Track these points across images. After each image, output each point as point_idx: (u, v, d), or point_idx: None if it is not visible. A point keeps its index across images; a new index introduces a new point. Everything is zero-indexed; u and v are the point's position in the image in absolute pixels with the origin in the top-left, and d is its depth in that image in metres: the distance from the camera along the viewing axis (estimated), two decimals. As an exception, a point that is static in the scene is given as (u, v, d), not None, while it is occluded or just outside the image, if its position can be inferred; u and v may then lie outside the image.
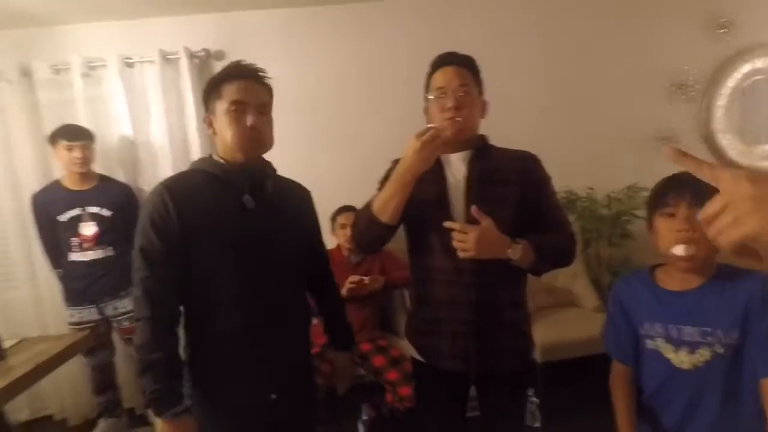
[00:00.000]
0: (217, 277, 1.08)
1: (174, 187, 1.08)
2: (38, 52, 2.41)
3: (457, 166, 1.20)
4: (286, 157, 2.73)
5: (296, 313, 1.21)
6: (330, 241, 2.40)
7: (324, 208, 2.39)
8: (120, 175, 2.43)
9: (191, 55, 2.40)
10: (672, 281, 1.02)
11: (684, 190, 0.94)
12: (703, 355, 0.95)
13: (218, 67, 2.50)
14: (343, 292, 2.15)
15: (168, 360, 1.04)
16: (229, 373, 1.10)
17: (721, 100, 2.70)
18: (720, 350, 0.94)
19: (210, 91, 1.13)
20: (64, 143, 2.16)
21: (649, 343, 1.03)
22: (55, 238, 2.25)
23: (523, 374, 1.26)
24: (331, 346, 1.41)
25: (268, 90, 1.16)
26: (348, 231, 2.33)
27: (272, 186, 1.18)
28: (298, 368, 1.21)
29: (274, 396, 1.12)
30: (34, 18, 2.32)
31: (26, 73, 2.37)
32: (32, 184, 2.38)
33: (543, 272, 1.18)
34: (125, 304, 2.24)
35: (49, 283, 2.44)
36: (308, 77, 2.59)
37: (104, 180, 2.31)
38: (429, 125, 1.08)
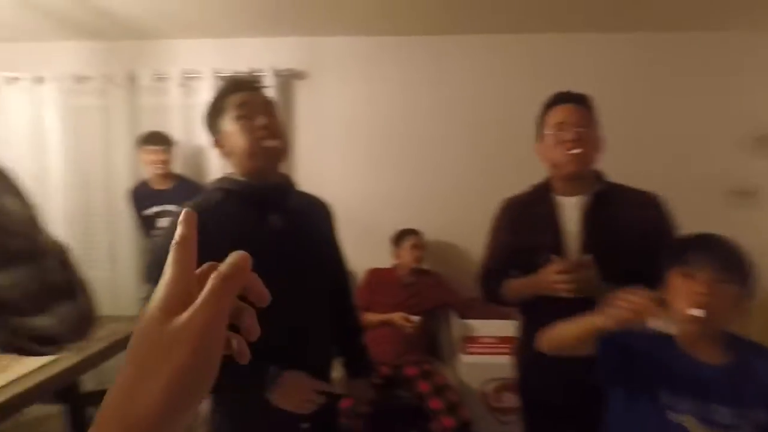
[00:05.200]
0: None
1: (198, 211, 1.05)
2: (143, 61, 2.69)
3: (571, 213, 1.16)
4: (356, 176, 2.83)
5: (321, 333, 1.17)
6: (385, 260, 2.49)
7: (387, 226, 2.52)
8: (195, 176, 2.64)
9: (276, 73, 2.58)
10: (695, 351, 0.96)
11: (711, 254, 0.91)
12: None
13: (300, 86, 2.69)
14: (395, 318, 2.21)
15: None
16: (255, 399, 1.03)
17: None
18: None
19: (213, 112, 1.08)
20: (146, 147, 2.40)
21: (674, 416, 0.93)
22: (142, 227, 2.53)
23: None
24: (347, 372, 1.31)
25: (270, 98, 1.10)
26: (416, 252, 2.39)
27: (294, 201, 1.12)
28: (324, 393, 1.09)
29: (305, 425, 1.07)
30: (142, 32, 2.60)
31: (132, 79, 2.65)
32: (124, 179, 2.64)
33: None
34: None
35: (125, 266, 2.68)
36: (381, 102, 2.70)
37: (182, 181, 2.53)
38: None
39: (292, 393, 1.00)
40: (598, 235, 1.13)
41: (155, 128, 2.49)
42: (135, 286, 2.62)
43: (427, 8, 2.30)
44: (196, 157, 2.67)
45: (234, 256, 0.33)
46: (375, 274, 2.45)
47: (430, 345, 2.48)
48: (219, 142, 1.09)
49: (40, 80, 2.68)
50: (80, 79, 2.67)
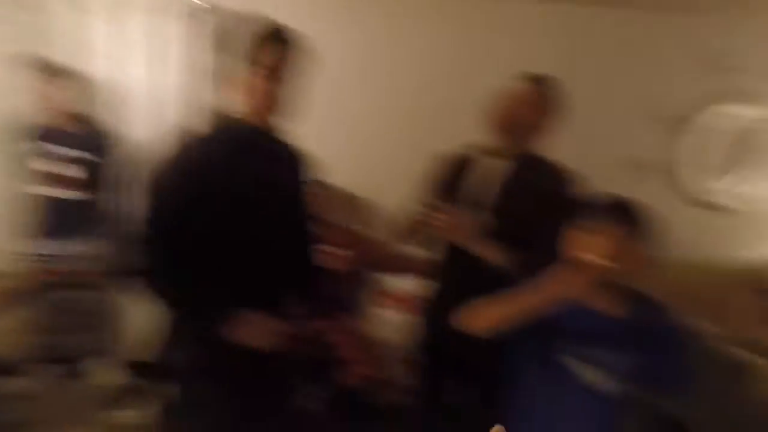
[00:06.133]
0: (227, 246, 1.07)
1: (201, 146, 1.11)
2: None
3: None
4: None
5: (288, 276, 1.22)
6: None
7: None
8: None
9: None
10: (596, 302, 1.03)
11: (614, 211, 1.01)
12: None
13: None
14: None
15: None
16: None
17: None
18: None
19: (237, 50, 1.08)
20: None
21: (573, 364, 1.01)
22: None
23: None
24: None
25: (294, 53, 1.09)
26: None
27: (280, 151, 1.18)
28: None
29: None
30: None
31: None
32: None
33: None
34: None
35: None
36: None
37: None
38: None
39: (248, 328, 1.02)
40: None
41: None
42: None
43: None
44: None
45: None
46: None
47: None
48: (226, 81, 1.10)
49: None
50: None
